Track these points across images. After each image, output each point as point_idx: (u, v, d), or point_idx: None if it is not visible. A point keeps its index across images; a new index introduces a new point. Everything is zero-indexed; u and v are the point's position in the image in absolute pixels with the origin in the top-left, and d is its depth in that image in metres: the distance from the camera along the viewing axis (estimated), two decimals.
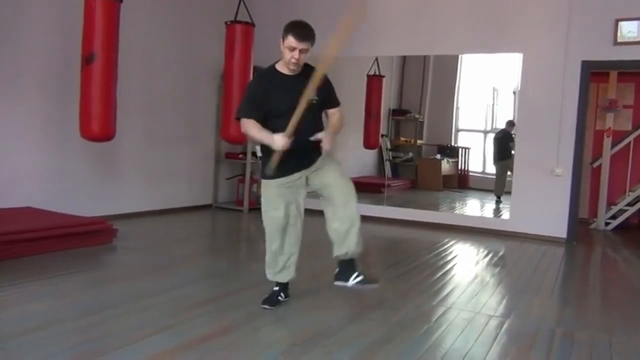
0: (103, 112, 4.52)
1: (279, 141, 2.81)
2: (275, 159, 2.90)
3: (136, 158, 6.00)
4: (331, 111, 3.15)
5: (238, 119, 3.00)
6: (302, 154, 2.98)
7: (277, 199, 3.05)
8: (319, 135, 2.95)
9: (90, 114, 4.51)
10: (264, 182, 3.11)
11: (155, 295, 3.25)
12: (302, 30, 2.85)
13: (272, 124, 2.93)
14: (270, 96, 2.92)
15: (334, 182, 3.03)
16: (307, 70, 2.94)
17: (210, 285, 3.66)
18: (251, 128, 2.93)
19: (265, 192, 3.11)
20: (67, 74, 5.04)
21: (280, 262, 3.15)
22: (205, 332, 2.70)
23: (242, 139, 6.02)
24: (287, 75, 2.96)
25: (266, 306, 3.12)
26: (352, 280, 3.03)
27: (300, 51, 2.84)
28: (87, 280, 3.60)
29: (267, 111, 2.93)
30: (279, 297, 3.19)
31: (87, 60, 4.46)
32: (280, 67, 2.98)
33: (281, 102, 2.90)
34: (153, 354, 2.40)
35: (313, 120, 3.00)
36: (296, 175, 3.04)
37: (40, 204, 4.87)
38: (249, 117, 2.94)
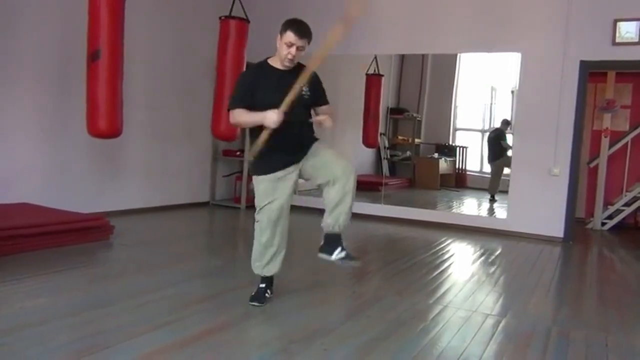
0: (110, 109, 4.54)
1: (271, 116, 2.85)
2: (262, 140, 2.91)
3: (134, 155, 5.99)
4: (323, 108, 3.18)
5: (229, 112, 3.06)
6: (292, 150, 3.03)
7: (271, 192, 3.06)
8: (319, 117, 3.00)
9: (97, 111, 4.53)
10: (255, 178, 3.13)
11: (152, 292, 3.25)
12: (301, 27, 2.92)
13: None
14: (259, 89, 2.97)
15: (328, 160, 3.03)
16: (299, 68, 3.00)
17: (207, 283, 3.66)
18: (240, 115, 3.00)
19: (259, 187, 3.12)
20: (67, 69, 5.04)
21: (268, 254, 3.14)
22: (202, 329, 2.70)
23: (233, 136, 6.00)
24: (279, 70, 3.01)
25: (255, 303, 3.12)
26: (336, 255, 3.04)
27: (297, 48, 2.92)
28: (84, 277, 3.60)
29: (256, 104, 2.96)
30: (266, 294, 3.19)
31: (92, 57, 4.46)
32: (273, 62, 3.04)
33: (270, 96, 2.93)
34: (150, 351, 2.40)
35: (303, 116, 3.07)
36: (289, 169, 3.07)
37: (37, 200, 4.86)
38: (237, 107, 3.00)
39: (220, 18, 5.73)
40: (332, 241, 3.06)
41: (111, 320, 2.78)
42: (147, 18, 5.97)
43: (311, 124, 3.13)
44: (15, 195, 4.79)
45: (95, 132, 4.62)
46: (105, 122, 4.55)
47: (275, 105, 2.88)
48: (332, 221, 3.02)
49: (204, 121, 6.98)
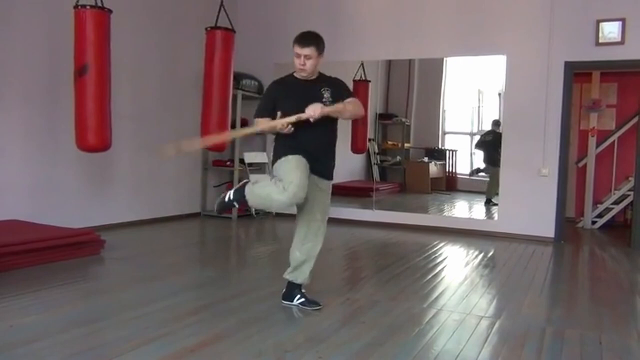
0: (99, 123, 4.55)
1: (309, 111, 2.98)
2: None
3: (123, 168, 5.96)
4: (348, 100, 3.21)
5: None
6: (316, 161, 3.14)
7: (299, 167, 3.01)
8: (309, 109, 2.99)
9: (86, 125, 4.52)
10: (280, 160, 3.10)
11: (145, 305, 3.23)
12: (303, 38, 3.12)
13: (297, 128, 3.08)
14: (281, 99, 3.14)
15: (318, 216, 3.24)
16: (322, 79, 3.23)
17: (200, 294, 3.64)
18: (261, 123, 3.17)
19: (286, 164, 3.06)
20: (54, 84, 5.01)
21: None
22: (196, 341, 2.68)
23: (222, 146, 5.97)
24: (300, 80, 3.20)
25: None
26: (296, 301, 3.30)
27: (305, 57, 3.08)
28: (76, 293, 3.57)
29: (281, 112, 3.10)
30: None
31: (80, 72, 4.45)
32: (297, 74, 3.22)
33: (291, 103, 3.08)
34: None
35: (328, 121, 3.16)
36: (308, 171, 3.12)
37: (26, 216, 4.81)
38: (260, 117, 3.19)
39: (206, 29, 5.73)
40: (293, 289, 3.32)
41: (104, 335, 2.76)
42: (134, 31, 5.96)
43: (335, 135, 3.28)
44: (3, 212, 4.74)
45: (84, 146, 4.62)
46: (94, 136, 4.56)
47: (295, 112, 3.03)
48: (295, 275, 3.29)
49: (193, 132, 6.94)
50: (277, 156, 3.19)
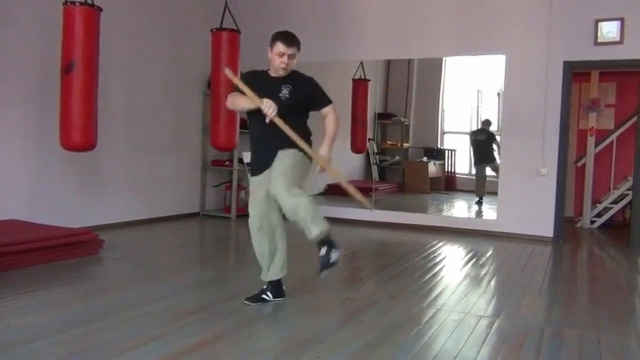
0: (83, 122, 4.50)
1: (268, 103, 2.99)
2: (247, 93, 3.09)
3: (122, 167, 5.96)
4: (324, 111, 3.29)
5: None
6: (268, 152, 3.19)
7: (252, 198, 3.28)
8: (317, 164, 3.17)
9: (70, 123, 4.48)
10: (250, 179, 3.39)
11: (144, 305, 3.22)
12: (289, 37, 3.15)
13: (250, 120, 3.27)
14: (253, 89, 3.11)
15: (273, 180, 3.08)
16: (293, 76, 3.23)
17: (199, 294, 3.63)
18: (237, 97, 3.16)
19: (250, 190, 3.40)
20: (49, 83, 4.99)
21: (262, 261, 3.32)
22: (195, 340, 2.68)
23: (232, 146, 5.98)
24: (273, 77, 3.23)
25: (246, 301, 3.27)
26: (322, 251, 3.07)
27: (289, 56, 3.12)
28: (74, 292, 3.56)
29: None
30: (264, 296, 3.32)
31: (66, 69, 4.43)
32: (270, 72, 3.26)
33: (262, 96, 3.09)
34: None
35: (284, 118, 3.07)
36: (265, 173, 3.20)
37: (23, 216, 4.81)
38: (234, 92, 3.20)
39: (211, 30, 5.72)
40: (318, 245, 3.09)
41: (102, 335, 2.76)
42: (135, 30, 5.95)
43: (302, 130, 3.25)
44: (2, 212, 4.73)
45: (68, 145, 4.56)
46: (79, 134, 4.51)
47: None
48: (310, 236, 3.06)
49: (193, 131, 6.97)
50: (250, 162, 3.44)
